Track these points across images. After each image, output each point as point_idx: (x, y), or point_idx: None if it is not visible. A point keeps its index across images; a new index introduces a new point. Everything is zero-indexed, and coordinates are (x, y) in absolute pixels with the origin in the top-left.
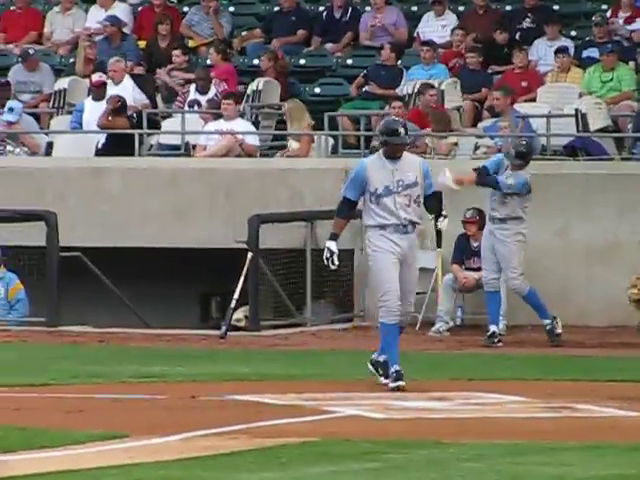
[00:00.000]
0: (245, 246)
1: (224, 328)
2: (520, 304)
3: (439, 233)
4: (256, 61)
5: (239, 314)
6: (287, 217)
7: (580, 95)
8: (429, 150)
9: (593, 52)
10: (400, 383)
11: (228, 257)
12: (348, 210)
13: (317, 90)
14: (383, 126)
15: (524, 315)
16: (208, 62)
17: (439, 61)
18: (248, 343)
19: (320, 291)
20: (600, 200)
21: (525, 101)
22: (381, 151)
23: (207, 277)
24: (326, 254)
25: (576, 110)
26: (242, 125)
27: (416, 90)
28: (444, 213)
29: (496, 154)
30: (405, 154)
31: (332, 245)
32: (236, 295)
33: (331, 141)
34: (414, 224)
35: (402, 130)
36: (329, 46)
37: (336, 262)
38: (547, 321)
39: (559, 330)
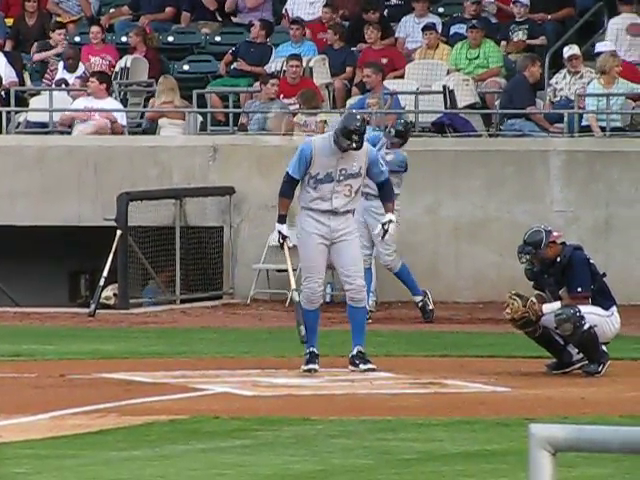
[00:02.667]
0: (114, 224)
1: (93, 306)
2: (389, 280)
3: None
4: (124, 38)
5: (108, 292)
6: (156, 195)
7: (448, 72)
8: (298, 127)
9: (461, 28)
10: (312, 366)
11: (97, 235)
12: (292, 188)
13: (186, 67)
14: (344, 123)
15: (393, 291)
16: (76, 39)
17: (308, 38)
18: (117, 321)
19: (189, 268)
20: (468, 176)
21: (394, 78)
22: (332, 135)
23: (76, 255)
24: (278, 238)
25: (444, 87)
26: (111, 103)
27: (284, 67)
28: (392, 218)
29: (373, 131)
30: None
31: (282, 228)
32: (105, 273)
33: (200, 118)
34: (348, 211)
35: (356, 137)
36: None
37: (290, 244)
38: (418, 298)
39: (431, 306)
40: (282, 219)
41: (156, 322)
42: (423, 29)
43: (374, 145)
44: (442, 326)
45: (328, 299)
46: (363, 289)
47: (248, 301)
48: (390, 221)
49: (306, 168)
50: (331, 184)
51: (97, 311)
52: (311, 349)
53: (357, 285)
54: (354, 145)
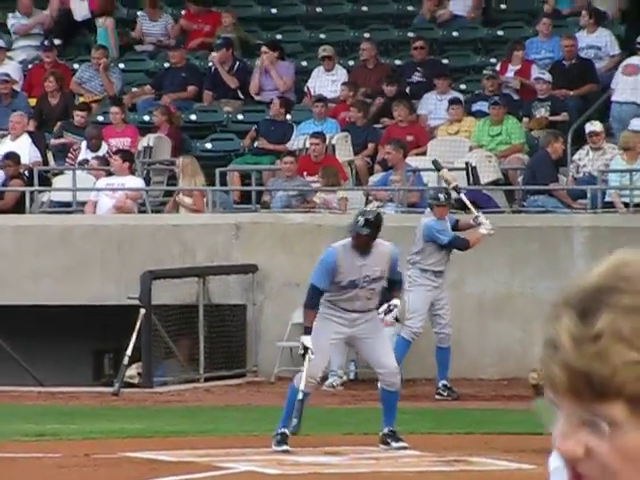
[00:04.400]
0: (138, 302)
1: (117, 385)
2: (414, 358)
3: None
4: (147, 117)
5: (132, 371)
6: (179, 273)
7: (470, 148)
8: (319, 205)
9: (482, 106)
10: (285, 447)
11: (121, 314)
12: (318, 299)
13: (208, 146)
14: (359, 213)
15: (418, 368)
16: (99, 119)
17: (330, 116)
18: (142, 400)
19: (213, 346)
20: (492, 253)
21: (416, 154)
22: (349, 241)
23: (100, 334)
24: (300, 350)
25: (466, 163)
26: (133, 181)
27: (307, 145)
28: (398, 303)
29: (423, 222)
30: (377, 243)
31: (306, 340)
32: (129, 352)
33: (223, 196)
34: (369, 309)
35: (371, 225)
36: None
37: (312, 356)
38: (444, 381)
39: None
40: (308, 331)
41: (180, 401)
42: (450, 102)
43: (440, 230)
44: (467, 403)
45: (352, 376)
46: (397, 371)
47: (272, 379)
48: (396, 305)
49: (331, 278)
50: (354, 290)
51: (121, 390)
52: (284, 430)
53: (390, 370)
54: (366, 231)
